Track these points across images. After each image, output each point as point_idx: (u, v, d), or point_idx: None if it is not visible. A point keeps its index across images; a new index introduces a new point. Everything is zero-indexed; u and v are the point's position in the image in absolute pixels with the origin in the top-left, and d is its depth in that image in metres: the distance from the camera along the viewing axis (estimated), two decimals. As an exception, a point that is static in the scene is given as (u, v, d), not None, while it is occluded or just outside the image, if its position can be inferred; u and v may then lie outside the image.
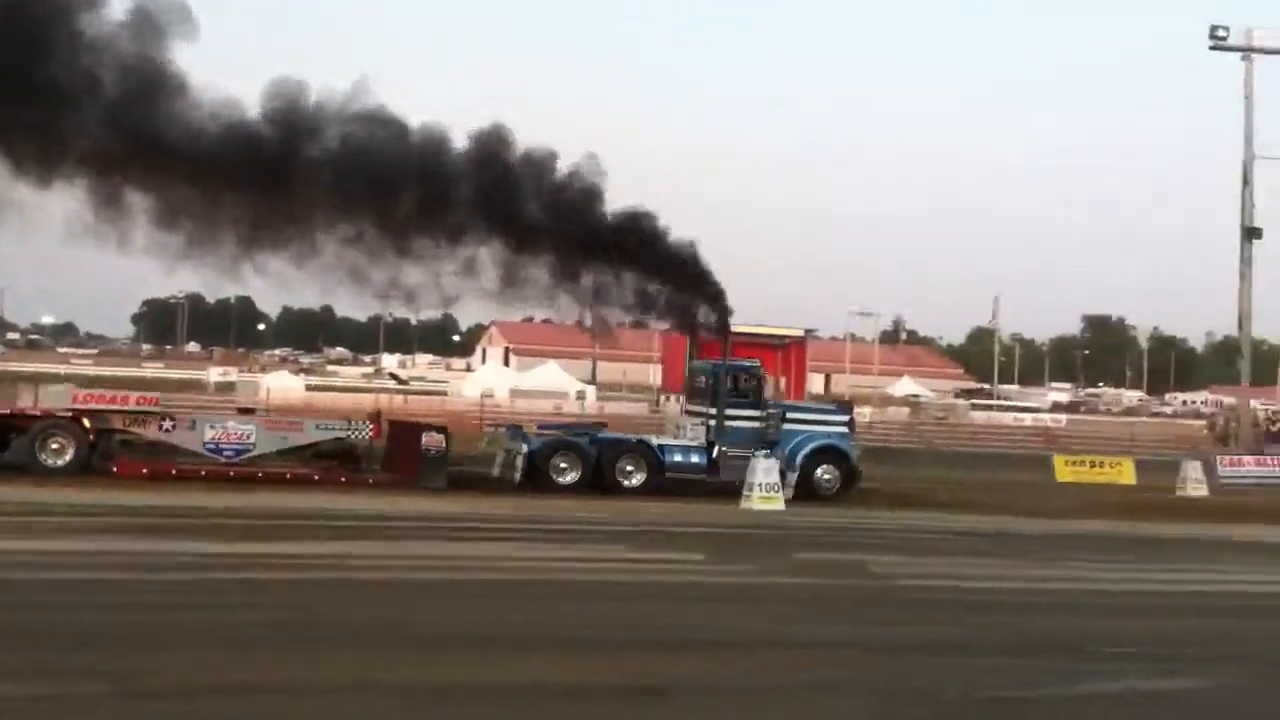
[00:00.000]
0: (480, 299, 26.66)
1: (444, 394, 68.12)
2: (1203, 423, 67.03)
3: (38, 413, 22.73)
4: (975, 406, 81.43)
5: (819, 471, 25.56)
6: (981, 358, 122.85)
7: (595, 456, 24.63)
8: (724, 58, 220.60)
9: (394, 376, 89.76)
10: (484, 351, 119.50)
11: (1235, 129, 42.70)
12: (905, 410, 72.50)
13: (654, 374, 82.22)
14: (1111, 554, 19.55)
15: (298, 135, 23.30)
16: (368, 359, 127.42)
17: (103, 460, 22.64)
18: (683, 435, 25.98)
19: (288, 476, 22.73)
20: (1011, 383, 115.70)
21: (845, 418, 27.23)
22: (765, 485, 22.87)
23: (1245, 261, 42.37)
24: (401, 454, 23.92)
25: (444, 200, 24.33)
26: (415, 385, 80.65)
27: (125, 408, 23.25)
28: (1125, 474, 35.76)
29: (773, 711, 8.49)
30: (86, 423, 22.45)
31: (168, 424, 23.12)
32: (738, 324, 27.49)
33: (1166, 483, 33.22)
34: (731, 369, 26.16)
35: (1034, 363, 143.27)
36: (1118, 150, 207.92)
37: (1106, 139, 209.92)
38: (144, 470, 22.24)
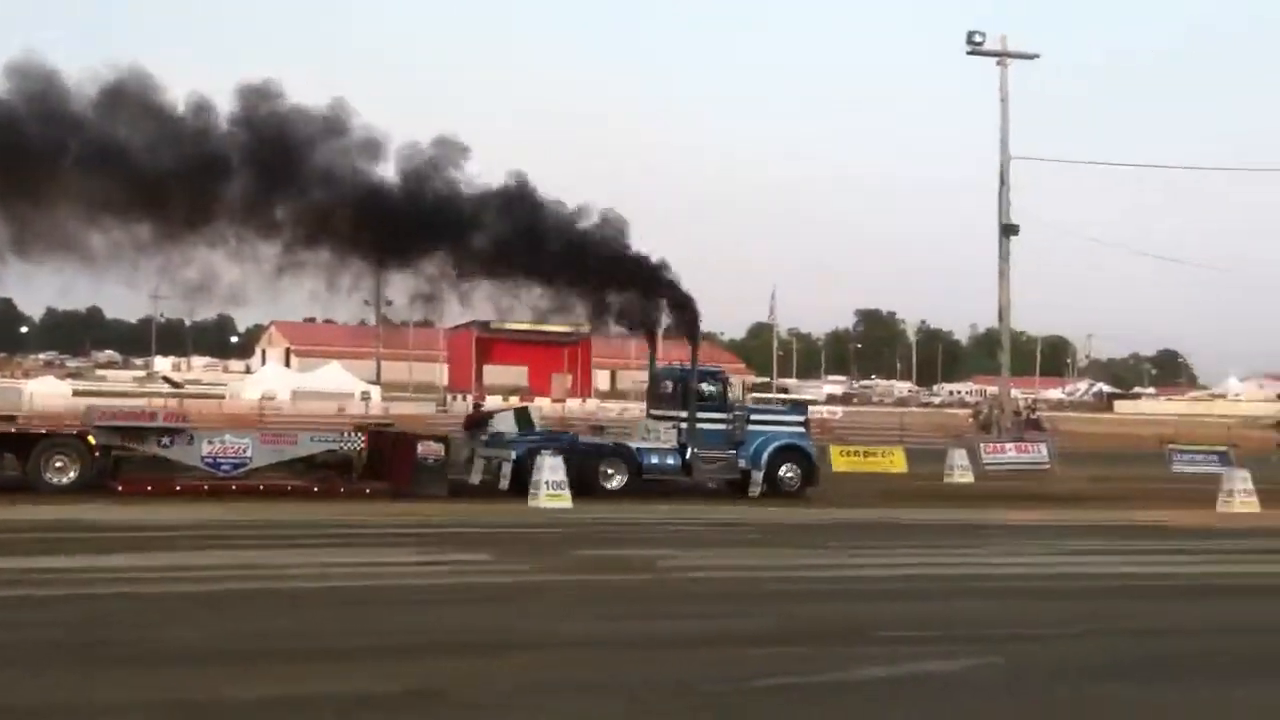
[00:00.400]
0: (259, 292, 25.60)
1: (221, 397, 65.99)
2: (968, 412, 70.09)
3: (42, 430, 23.23)
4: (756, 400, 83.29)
5: (783, 470, 26.65)
6: (761, 351, 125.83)
7: (577, 462, 24.73)
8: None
9: (168, 380, 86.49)
10: (264, 353, 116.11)
11: (996, 130, 44.80)
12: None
13: (441, 373, 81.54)
14: (884, 540, 20.30)
15: (46, 121, 21.87)
16: (139, 362, 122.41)
17: (99, 477, 22.15)
18: (653, 439, 26.35)
19: (288, 489, 22.97)
20: (790, 376, 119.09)
21: (803, 418, 28.71)
22: (552, 483, 22.85)
23: (1004, 258, 44.53)
24: (390, 463, 24.19)
25: (213, 184, 23.20)
26: (191, 389, 77.88)
27: (151, 424, 23.27)
28: (897, 462, 37.15)
29: (536, 710, 8.48)
30: (91, 440, 22.11)
31: (165, 439, 22.92)
32: (517, 323, 27.82)
33: (935, 470, 34.71)
34: (698, 374, 27.10)
35: (811, 356, 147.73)
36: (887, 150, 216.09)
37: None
38: (148, 487, 22.05)
